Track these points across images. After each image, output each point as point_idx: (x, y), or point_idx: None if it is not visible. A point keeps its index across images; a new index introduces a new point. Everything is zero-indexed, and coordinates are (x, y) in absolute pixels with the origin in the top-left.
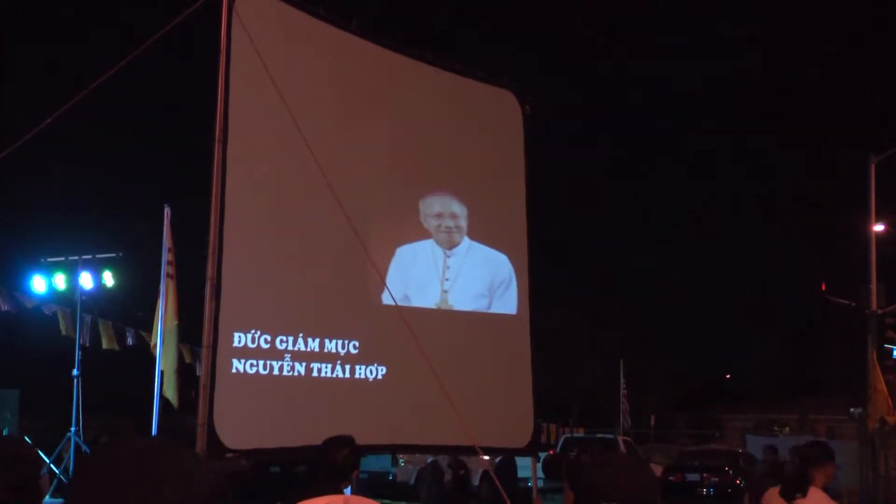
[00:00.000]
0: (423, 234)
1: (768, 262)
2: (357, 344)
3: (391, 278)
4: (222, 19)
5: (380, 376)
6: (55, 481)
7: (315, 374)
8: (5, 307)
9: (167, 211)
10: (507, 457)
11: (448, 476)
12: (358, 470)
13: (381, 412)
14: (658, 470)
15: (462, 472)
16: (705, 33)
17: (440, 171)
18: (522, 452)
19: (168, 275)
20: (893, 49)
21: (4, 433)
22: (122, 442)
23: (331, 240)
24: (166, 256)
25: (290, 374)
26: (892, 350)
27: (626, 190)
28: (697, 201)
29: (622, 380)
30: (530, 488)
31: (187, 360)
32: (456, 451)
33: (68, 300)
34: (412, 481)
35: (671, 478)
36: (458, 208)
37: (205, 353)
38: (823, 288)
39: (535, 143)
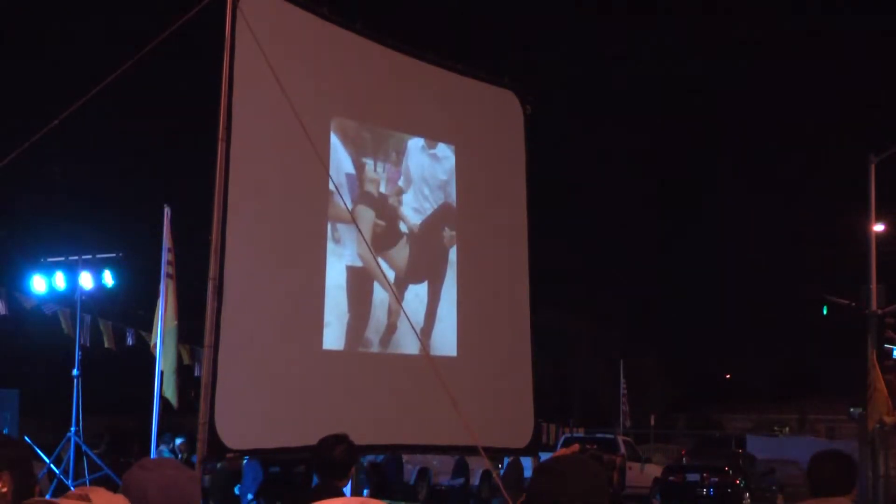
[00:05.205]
0: (425, 232)
1: (768, 261)
2: (357, 344)
3: (393, 277)
4: (226, 19)
5: (380, 376)
6: (55, 482)
7: (315, 374)
8: (4, 310)
9: (167, 211)
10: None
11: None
12: (355, 468)
13: (382, 412)
14: (657, 470)
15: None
16: (707, 33)
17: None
18: (522, 452)
19: (168, 275)
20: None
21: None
22: None
23: (332, 238)
24: (166, 256)
25: (291, 374)
26: (892, 350)
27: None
28: (697, 201)
29: (622, 380)
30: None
31: (185, 361)
32: (457, 451)
33: (68, 300)
34: (412, 481)
35: (671, 478)
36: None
37: (206, 352)
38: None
39: (535, 142)
